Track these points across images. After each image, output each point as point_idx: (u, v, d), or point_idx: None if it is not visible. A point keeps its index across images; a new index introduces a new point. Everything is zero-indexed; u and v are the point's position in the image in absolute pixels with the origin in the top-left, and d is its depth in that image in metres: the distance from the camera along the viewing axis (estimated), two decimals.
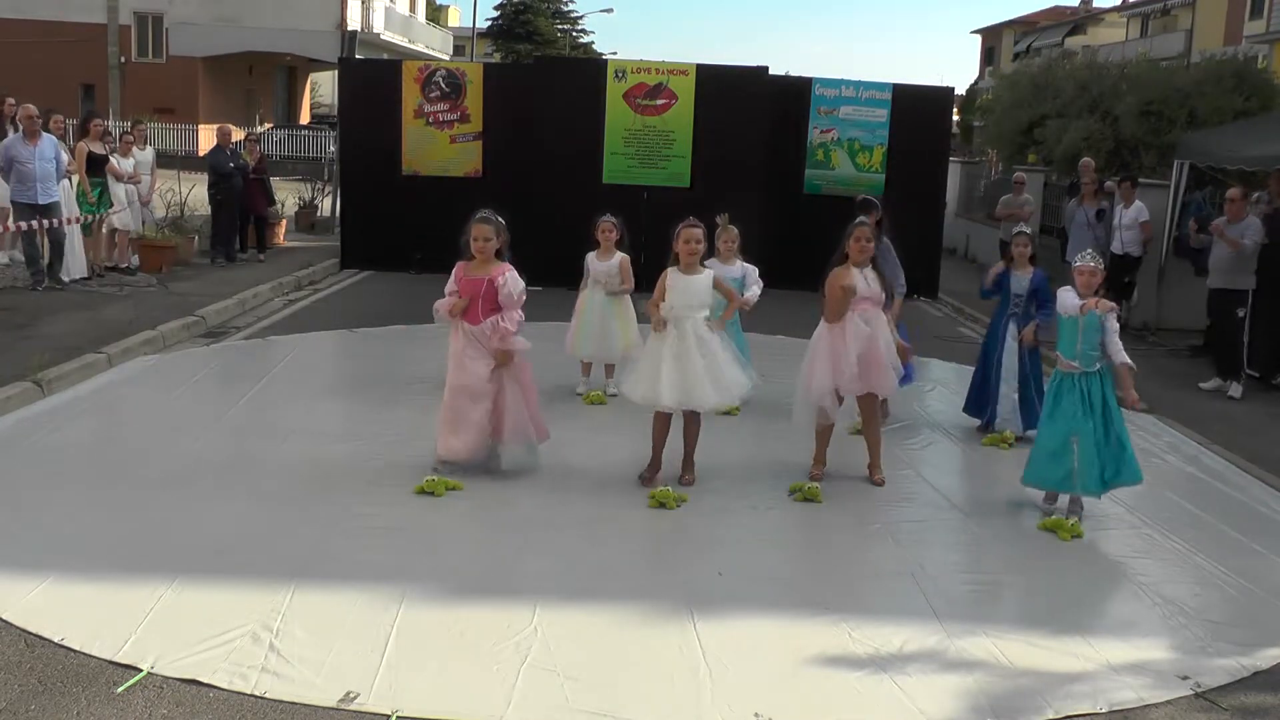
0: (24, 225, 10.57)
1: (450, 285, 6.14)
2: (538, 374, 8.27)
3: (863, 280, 6.27)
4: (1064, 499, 6.17)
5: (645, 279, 7.69)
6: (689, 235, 6.09)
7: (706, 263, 7.79)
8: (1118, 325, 6.13)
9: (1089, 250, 6.41)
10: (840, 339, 6.25)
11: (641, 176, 13.93)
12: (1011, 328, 7.62)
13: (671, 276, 6.11)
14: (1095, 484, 5.98)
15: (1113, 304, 6.17)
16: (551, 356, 8.42)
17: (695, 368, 5.99)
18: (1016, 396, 7.59)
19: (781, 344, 9.76)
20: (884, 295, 6.37)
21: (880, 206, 8.01)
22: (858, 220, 6.45)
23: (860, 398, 6.41)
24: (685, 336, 6.03)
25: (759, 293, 7.73)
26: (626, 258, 8.06)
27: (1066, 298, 6.13)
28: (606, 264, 8.04)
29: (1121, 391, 6.04)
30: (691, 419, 6.24)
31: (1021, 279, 7.54)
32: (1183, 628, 4.80)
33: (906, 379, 8.00)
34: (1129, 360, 6.06)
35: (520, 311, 6.09)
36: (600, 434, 7.31)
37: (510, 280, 6.05)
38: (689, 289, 6.09)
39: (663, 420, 6.24)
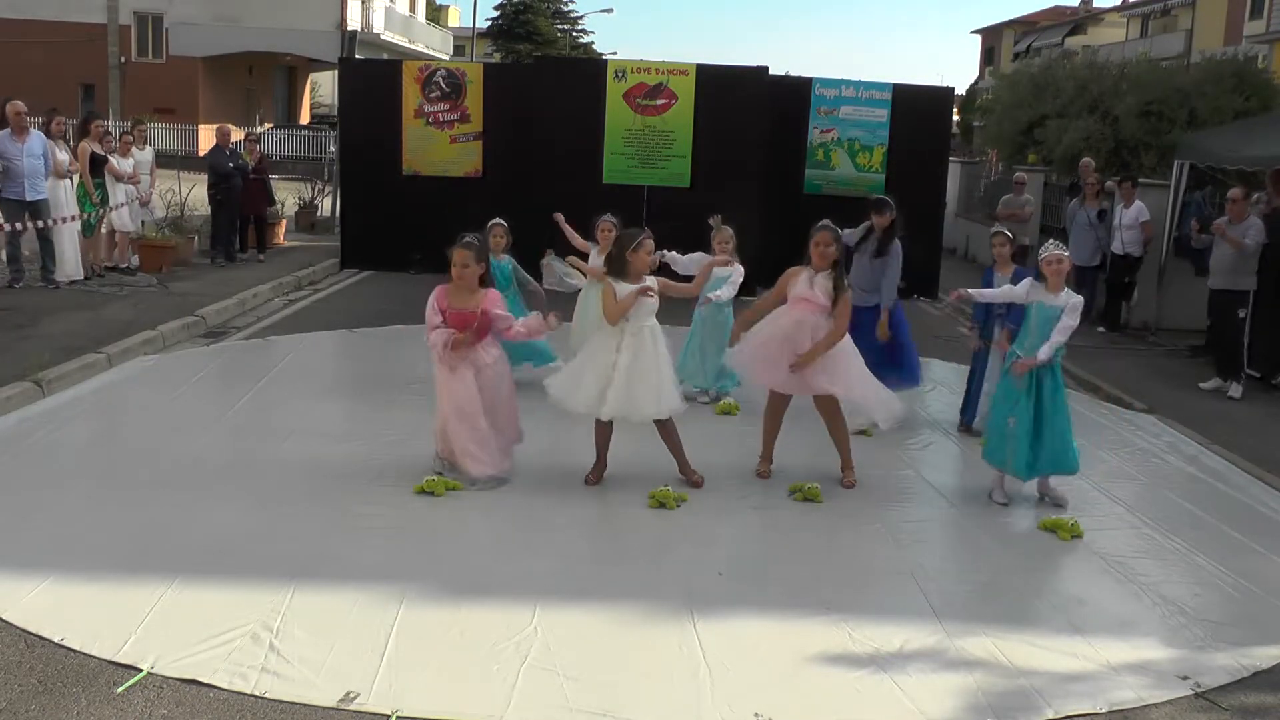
0: (9, 228, 10.56)
1: (434, 316, 5.94)
2: (537, 373, 8.30)
3: (806, 283, 6.26)
4: (1020, 486, 6.39)
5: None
6: (648, 247, 6.00)
7: (695, 255, 7.85)
8: (1067, 324, 6.11)
9: (1053, 240, 6.46)
10: (783, 336, 6.26)
11: (641, 176, 13.92)
12: (996, 330, 7.63)
13: (620, 289, 5.96)
14: (1022, 469, 6.17)
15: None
16: None
17: (644, 380, 5.94)
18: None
19: None
20: (830, 304, 6.19)
21: (894, 207, 7.98)
22: (821, 224, 6.41)
23: (816, 399, 6.39)
24: (642, 347, 5.96)
25: (732, 293, 7.81)
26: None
27: (1021, 285, 6.36)
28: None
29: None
30: (664, 425, 6.21)
31: (1003, 280, 7.51)
32: (1183, 628, 4.80)
33: (912, 380, 8.03)
34: (1044, 356, 6.08)
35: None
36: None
37: (502, 313, 5.98)
38: (641, 302, 5.98)
39: (605, 425, 6.20)
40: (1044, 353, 6.04)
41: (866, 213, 8.00)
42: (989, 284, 7.61)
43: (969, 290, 6.76)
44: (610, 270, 6.08)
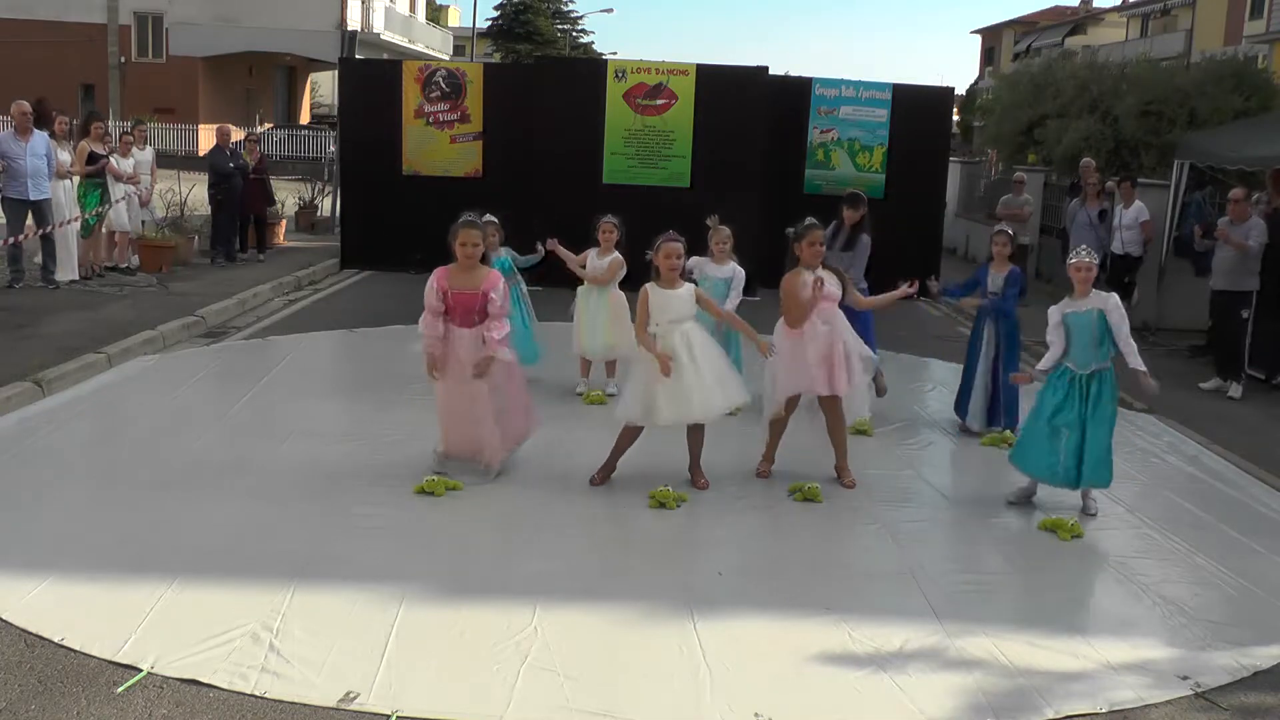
0: (13, 240, 10.57)
1: (433, 299, 5.97)
2: (538, 373, 8.31)
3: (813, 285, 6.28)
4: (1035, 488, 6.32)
5: (644, 278, 7.72)
6: (670, 250, 6.00)
7: (691, 261, 7.81)
8: (1122, 323, 6.10)
9: (1083, 246, 6.44)
10: (799, 342, 6.26)
11: (641, 176, 13.92)
12: (988, 325, 7.68)
13: (653, 293, 6.02)
14: (1072, 479, 6.10)
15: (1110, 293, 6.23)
16: (552, 356, 8.44)
17: (686, 382, 5.94)
18: (988, 394, 7.69)
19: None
20: (841, 291, 6.35)
21: (866, 202, 8.05)
22: (807, 222, 6.42)
23: (822, 399, 6.39)
24: (674, 351, 5.96)
25: (737, 300, 7.59)
26: (619, 258, 8.05)
27: (1051, 313, 6.21)
28: (602, 261, 8.05)
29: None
30: (694, 427, 6.23)
31: (997, 277, 7.58)
32: (1183, 628, 4.80)
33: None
34: (1140, 366, 6.08)
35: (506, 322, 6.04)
36: (600, 434, 7.26)
37: (501, 293, 6.00)
38: (670, 304, 6.00)
39: (631, 433, 6.22)
40: (1134, 360, 6.03)
41: (839, 208, 8.04)
42: (982, 280, 7.71)
43: (1038, 370, 6.35)
44: (652, 276, 6.12)
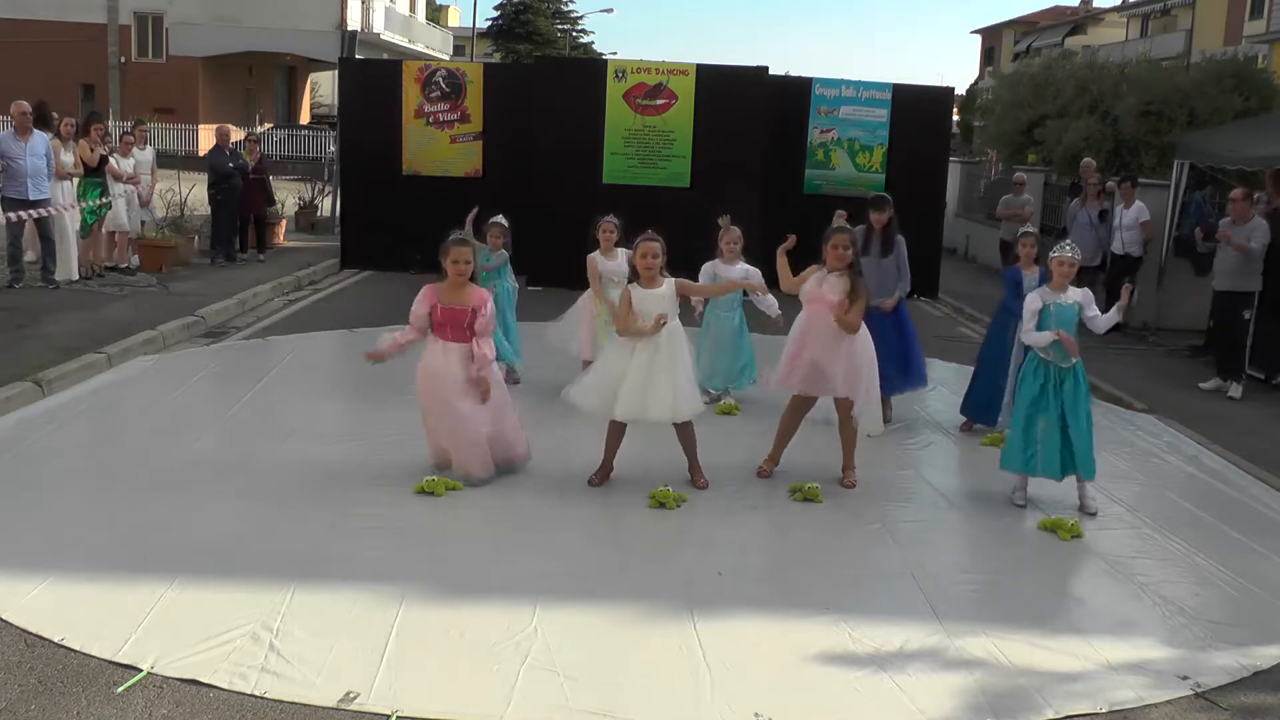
0: (17, 216, 10.57)
1: (421, 314, 6.00)
2: (538, 374, 8.32)
3: (815, 283, 6.27)
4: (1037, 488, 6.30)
5: None
6: (646, 249, 5.98)
7: (705, 266, 7.81)
8: (1095, 311, 6.29)
9: (1069, 243, 6.47)
10: (803, 336, 6.28)
11: (641, 176, 13.91)
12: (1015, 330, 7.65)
13: (635, 294, 6.00)
14: (1054, 469, 6.13)
15: (1082, 290, 6.32)
16: (552, 356, 8.43)
17: (640, 381, 5.93)
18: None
19: (782, 344, 9.72)
20: (847, 303, 6.22)
21: (892, 204, 7.99)
22: (837, 226, 6.42)
23: (835, 398, 6.40)
24: (658, 349, 5.94)
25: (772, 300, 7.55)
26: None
27: (1029, 300, 6.29)
28: (616, 264, 8.02)
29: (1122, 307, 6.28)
30: (682, 427, 6.22)
31: (1031, 279, 7.55)
32: (1183, 628, 4.80)
33: (920, 381, 7.98)
34: (1115, 319, 6.28)
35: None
36: (600, 434, 7.27)
37: (489, 311, 6.01)
38: (650, 304, 5.96)
39: (617, 428, 6.21)
40: (1106, 321, 6.24)
41: (865, 212, 7.98)
42: (1016, 281, 7.64)
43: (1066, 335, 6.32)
44: (630, 275, 6.13)
